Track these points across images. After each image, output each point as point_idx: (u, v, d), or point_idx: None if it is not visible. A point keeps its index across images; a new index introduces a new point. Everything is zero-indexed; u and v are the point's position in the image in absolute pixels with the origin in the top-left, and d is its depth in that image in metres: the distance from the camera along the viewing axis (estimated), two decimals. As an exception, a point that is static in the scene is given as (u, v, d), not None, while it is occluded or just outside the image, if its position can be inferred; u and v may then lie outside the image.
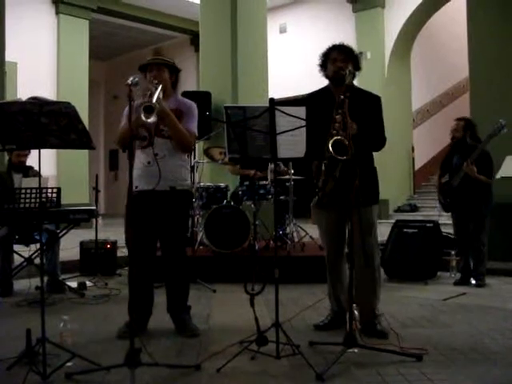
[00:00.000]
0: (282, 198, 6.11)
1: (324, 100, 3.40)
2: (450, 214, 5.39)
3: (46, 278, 4.76)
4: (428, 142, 11.50)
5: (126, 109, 3.52)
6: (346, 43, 3.51)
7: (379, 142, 3.47)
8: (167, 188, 3.44)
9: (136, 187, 3.39)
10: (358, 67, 3.45)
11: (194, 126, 3.54)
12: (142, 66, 3.55)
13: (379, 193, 3.55)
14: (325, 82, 3.59)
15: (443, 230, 5.75)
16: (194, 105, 3.61)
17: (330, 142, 2.97)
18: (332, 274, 3.60)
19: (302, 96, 3.66)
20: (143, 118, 2.97)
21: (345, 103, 3.10)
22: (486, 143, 4.94)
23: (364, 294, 3.44)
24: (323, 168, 3.21)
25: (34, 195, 4.36)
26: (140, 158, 3.46)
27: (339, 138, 3.00)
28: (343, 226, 3.44)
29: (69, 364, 2.80)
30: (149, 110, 2.99)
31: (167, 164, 3.42)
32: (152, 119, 3.00)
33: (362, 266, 3.23)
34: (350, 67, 3.29)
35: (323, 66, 3.50)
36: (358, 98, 3.35)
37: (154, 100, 3.09)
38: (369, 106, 3.44)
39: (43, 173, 3.13)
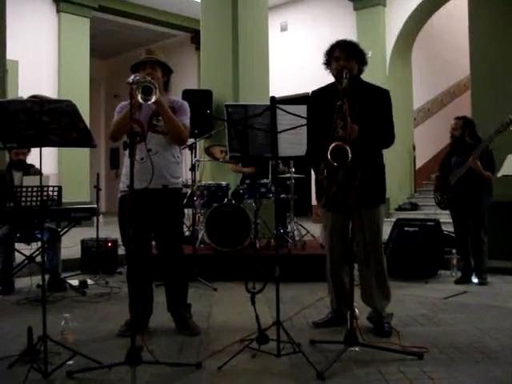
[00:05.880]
0: (282, 196, 6.12)
1: (330, 97, 3.34)
2: (449, 212, 5.37)
3: (47, 276, 4.76)
4: (429, 140, 11.49)
5: (119, 105, 3.53)
6: (349, 39, 3.42)
7: (387, 138, 3.39)
8: (160, 186, 3.42)
9: (128, 186, 3.36)
10: (363, 62, 3.38)
11: (187, 122, 3.54)
12: (134, 66, 3.51)
13: (386, 191, 3.50)
14: (324, 80, 3.55)
15: (444, 228, 5.75)
16: (186, 103, 3.61)
17: (329, 149, 2.93)
18: (333, 273, 3.58)
19: (306, 93, 3.62)
20: (140, 100, 2.86)
21: (344, 108, 3.00)
22: (492, 139, 4.85)
23: (369, 293, 3.44)
24: (325, 173, 3.18)
25: (35, 193, 4.37)
26: None
27: (338, 144, 2.94)
28: (348, 227, 3.36)
29: (70, 362, 2.81)
30: (147, 90, 2.88)
31: (160, 160, 3.40)
32: (151, 101, 2.89)
33: (364, 267, 3.21)
34: (348, 72, 3.22)
35: (328, 63, 3.42)
36: (366, 93, 3.33)
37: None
38: (377, 101, 3.37)
39: (44, 171, 3.13)
